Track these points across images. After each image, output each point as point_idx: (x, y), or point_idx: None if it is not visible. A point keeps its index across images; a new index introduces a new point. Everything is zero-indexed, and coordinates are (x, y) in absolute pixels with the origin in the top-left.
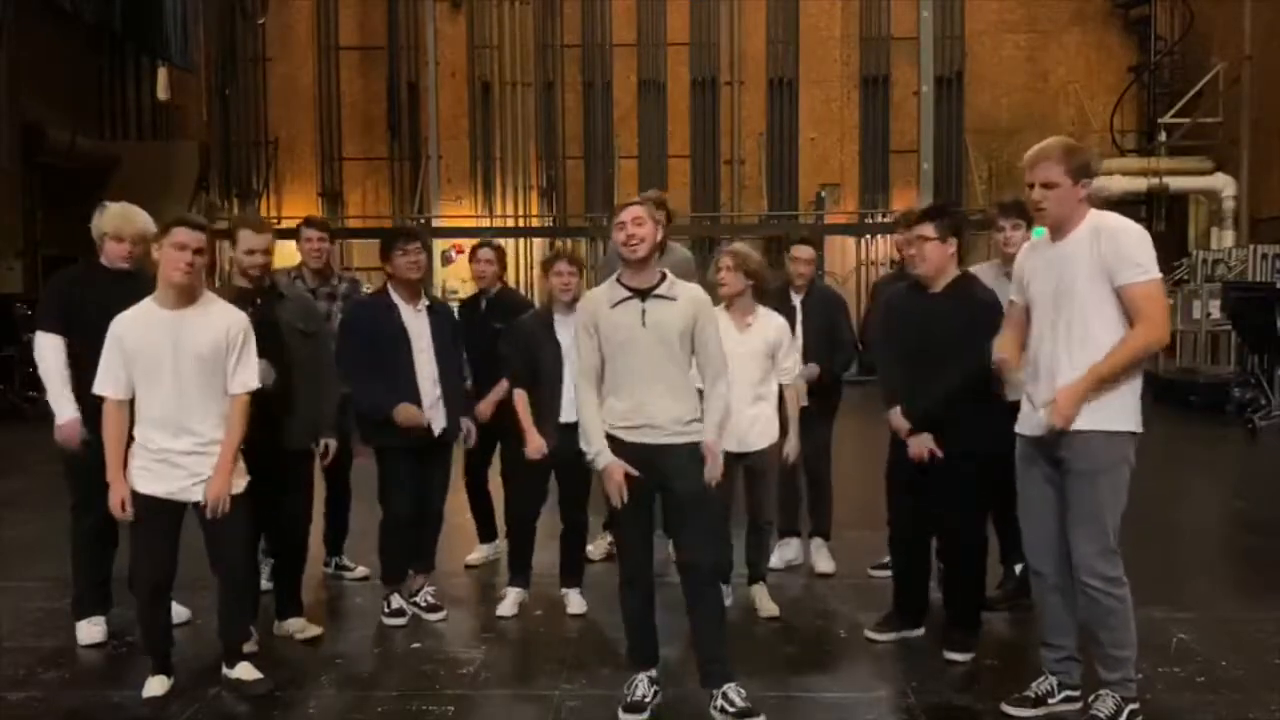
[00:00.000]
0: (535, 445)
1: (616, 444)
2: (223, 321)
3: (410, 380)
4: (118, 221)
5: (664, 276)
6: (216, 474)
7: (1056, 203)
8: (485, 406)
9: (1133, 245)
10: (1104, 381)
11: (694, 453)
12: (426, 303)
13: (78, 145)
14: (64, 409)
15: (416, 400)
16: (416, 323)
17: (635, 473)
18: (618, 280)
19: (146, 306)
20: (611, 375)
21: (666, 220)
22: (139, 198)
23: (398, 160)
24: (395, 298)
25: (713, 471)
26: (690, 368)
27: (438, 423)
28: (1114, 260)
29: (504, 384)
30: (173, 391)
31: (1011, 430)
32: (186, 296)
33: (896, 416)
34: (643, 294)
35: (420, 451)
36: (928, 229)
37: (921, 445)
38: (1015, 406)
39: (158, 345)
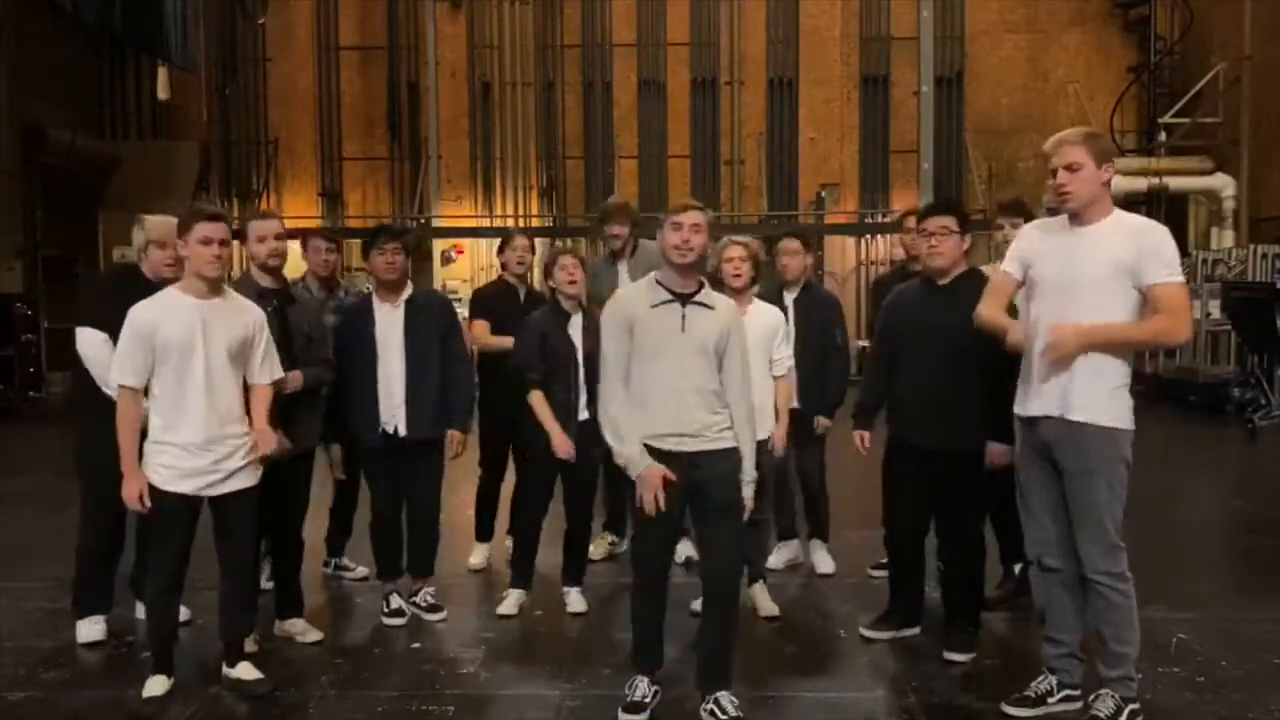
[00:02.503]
0: (565, 448)
1: (651, 454)
2: (248, 314)
3: (370, 381)
4: (163, 230)
5: (702, 284)
6: (260, 432)
7: (1083, 183)
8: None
9: (1169, 247)
10: (1115, 342)
11: (729, 460)
12: (407, 295)
13: (78, 145)
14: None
15: (375, 405)
16: (389, 321)
17: (673, 477)
18: (657, 281)
19: (172, 296)
20: (643, 380)
21: (632, 226)
22: (139, 198)
23: (398, 160)
24: (374, 297)
25: (745, 511)
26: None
27: (401, 424)
28: (1151, 258)
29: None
30: (204, 381)
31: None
32: (215, 287)
33: (860, 436)
34: (684, 299)
35: (394, 454)
36: (951, 222)
37: (1002, 456)
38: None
39: (190, 335)
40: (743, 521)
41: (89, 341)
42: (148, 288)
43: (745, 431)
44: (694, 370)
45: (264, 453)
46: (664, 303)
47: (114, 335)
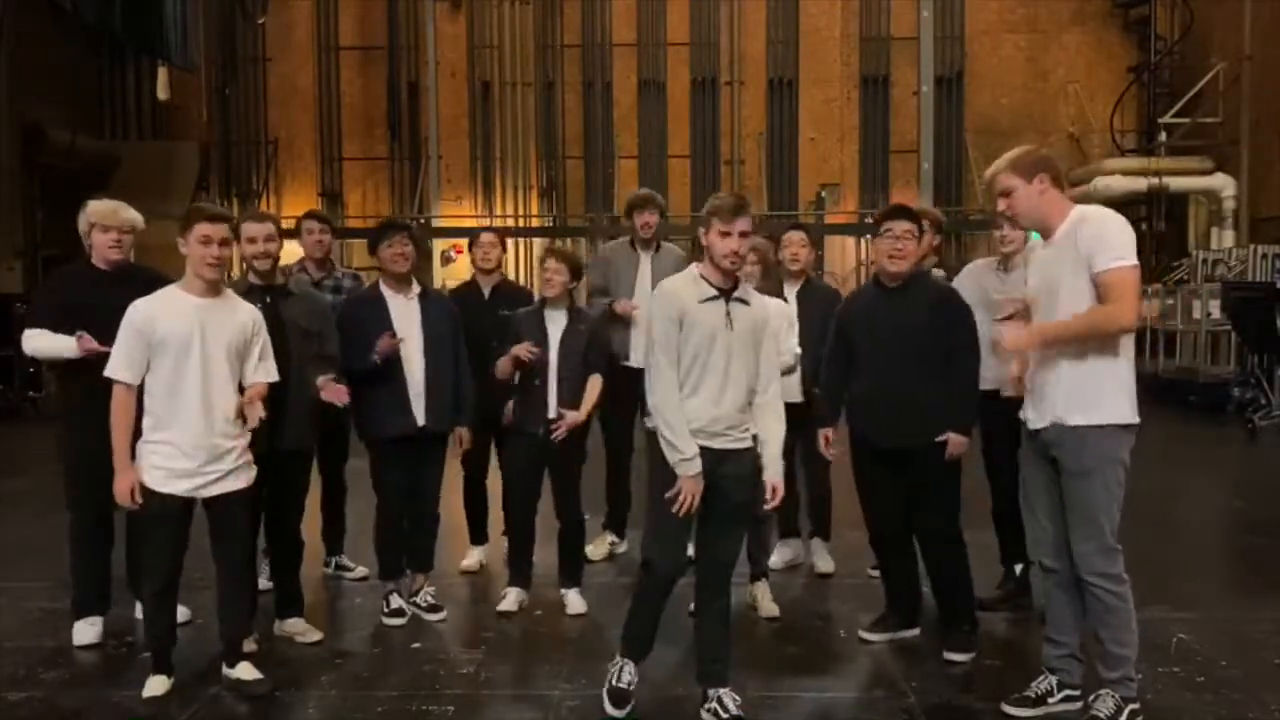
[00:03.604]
0: (527, 354)
1: None
2: (247, 317)
3: (397, 372)
4: (104, 212)
5: (739, 279)
6: (253, 394)
7: (1021, 202)
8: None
9: (1111, 233)
10: (1060, 337)
11: (748, 460)
12: (419, 290)
13: (78, 145)
14: (66, 341)
15: (404, 394)
16: (405, 313)
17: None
18: (701, 276)
19: (173, 294)
20: (688, 373)
21: (660, 215)
22: (139, 198)
23: (398, 160)
24: (385, 290)
25: (776, 497)
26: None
27: (420, 416)
28: (1093, 247)
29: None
30: (200, 381)
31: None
32: (214, 287)
33: (825, 435)
34: (727, 295)
35: (410, 446)
36: (914, 227)
37: (960, 446)
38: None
39: (188, 332)
40: (749, 522)
41: (28, 341)
42: (98, 280)
43: (778, 424)
44: (738, 368)
45: (249, 411)
46: (710, 299)
47: (49, 327)
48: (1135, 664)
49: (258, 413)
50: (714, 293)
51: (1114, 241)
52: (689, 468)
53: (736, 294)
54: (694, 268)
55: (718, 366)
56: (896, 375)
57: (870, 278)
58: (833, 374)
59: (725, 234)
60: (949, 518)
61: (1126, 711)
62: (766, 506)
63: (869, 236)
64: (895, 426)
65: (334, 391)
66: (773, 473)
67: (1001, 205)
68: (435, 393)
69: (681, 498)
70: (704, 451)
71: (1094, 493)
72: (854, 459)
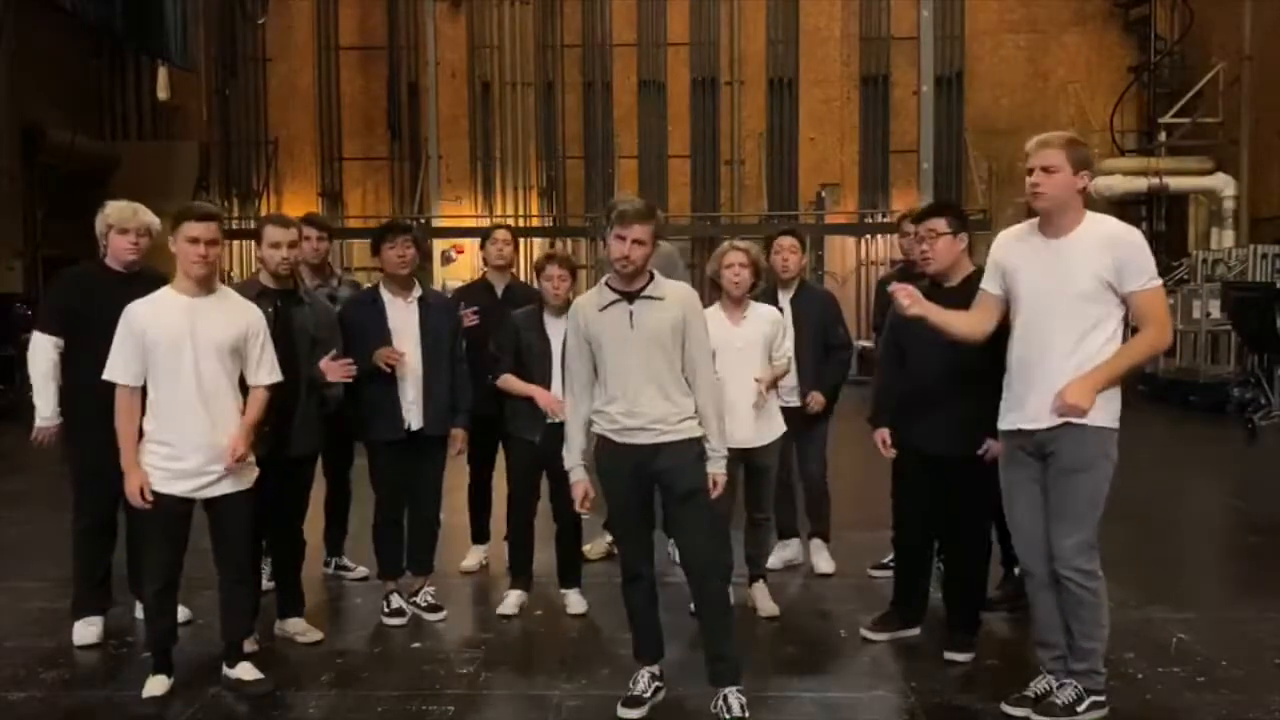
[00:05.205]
0: (551, 401)
1: (611, 446)
2: (243, 315)
3: (393, 376)
4: (123, 214)
5: (651, 277)
6: (237, 436)
7: (1055, 187)
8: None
9: (1144, 254)
10: (1117, 378)
11: (688, 450)
12: (419, 294)
13: (78, 145)
14: (46, 409)
15: (398, 398)
16: (403, 317)
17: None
18: (606, 284)
19: (164, 295)
20: (605, 378)
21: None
22: (139, 198)
23: (398, 160)
24: (384, 292)
25: (717, 488)
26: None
27: (417, 420)
28: (1128, 268)
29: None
30: (194, 381)
31: None
32: (205, 285)
33: (882, 436)
34: (630, 296)
35: (407, 449)
36: (940, 223)
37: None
38: None
39: (179, 332)
40: (711, 510)
41: (34, 347)
42: (111, 282)
43: (711, 416)
44: (648, 363)
45: (228, 462)
46: (611, 304)
47: (72, 338)
48: (1104, 658)
49: (237, 451)
50: (614, 297)
51: (1145, 262)
52: (572, 474)
53: (645, 292)
54: (605, 277)
55: (629, 365)
56: (940, 380)
57: (928, 280)
58: (887, 374)
59: (620, 238)
60: (982, 525)
61: (1088, 702)
62: (711, 497)
63: (868, 236)
64: (940, 433)
65: (336, 369)
66: (713, 464)
67: (1037, 178)
68: (433, 396)
69: (573, 495)
70: (633, 448)
71: (1084, 490)
72: (895, 459)
